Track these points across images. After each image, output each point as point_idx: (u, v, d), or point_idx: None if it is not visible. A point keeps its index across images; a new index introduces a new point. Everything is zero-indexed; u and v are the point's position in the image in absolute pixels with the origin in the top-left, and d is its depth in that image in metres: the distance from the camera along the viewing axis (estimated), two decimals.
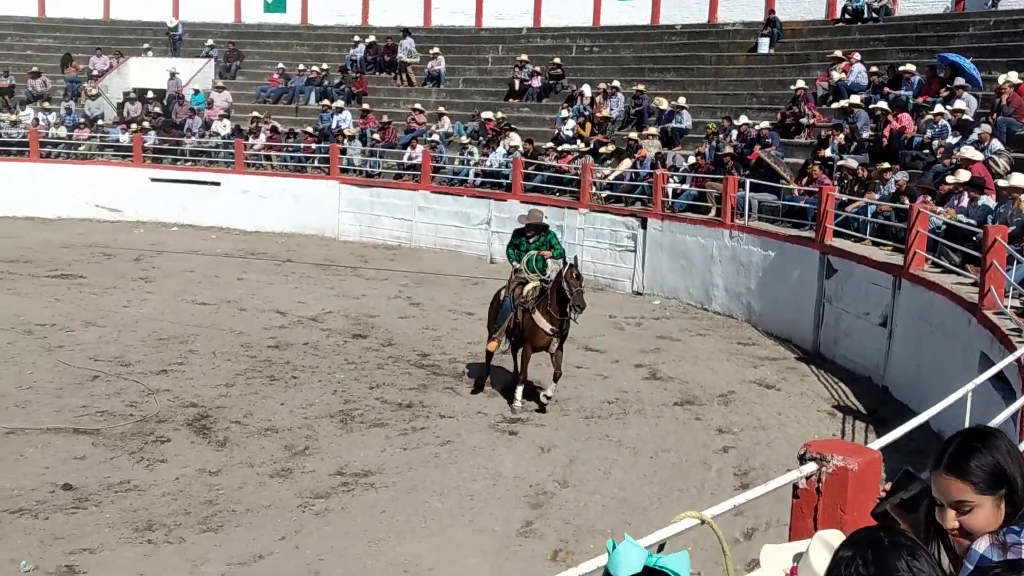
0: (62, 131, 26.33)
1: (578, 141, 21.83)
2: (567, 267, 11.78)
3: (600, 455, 10.64)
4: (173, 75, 27.97)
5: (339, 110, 25.73)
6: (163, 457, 10.19)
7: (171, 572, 7.86)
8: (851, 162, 16.21)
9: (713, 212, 17.65)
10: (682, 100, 22.01)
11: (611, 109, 23.24)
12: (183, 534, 8.50)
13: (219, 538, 8.46)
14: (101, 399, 11.87)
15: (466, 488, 9.71)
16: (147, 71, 29.29)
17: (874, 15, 22.93)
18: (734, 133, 19.62)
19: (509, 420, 11.63)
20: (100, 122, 26.75)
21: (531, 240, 12.49)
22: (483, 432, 11.27)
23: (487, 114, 24.28)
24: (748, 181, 17.06)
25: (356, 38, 29.32)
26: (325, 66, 28.43)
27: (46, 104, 27.27)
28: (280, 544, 8.37)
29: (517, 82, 26.17)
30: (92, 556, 8.08)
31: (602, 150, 21.21)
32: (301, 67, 28.62)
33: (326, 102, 26.38)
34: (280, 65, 28.92)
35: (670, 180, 18.94)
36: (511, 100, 26.12)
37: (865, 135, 17.45)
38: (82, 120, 26.51)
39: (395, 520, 8.96)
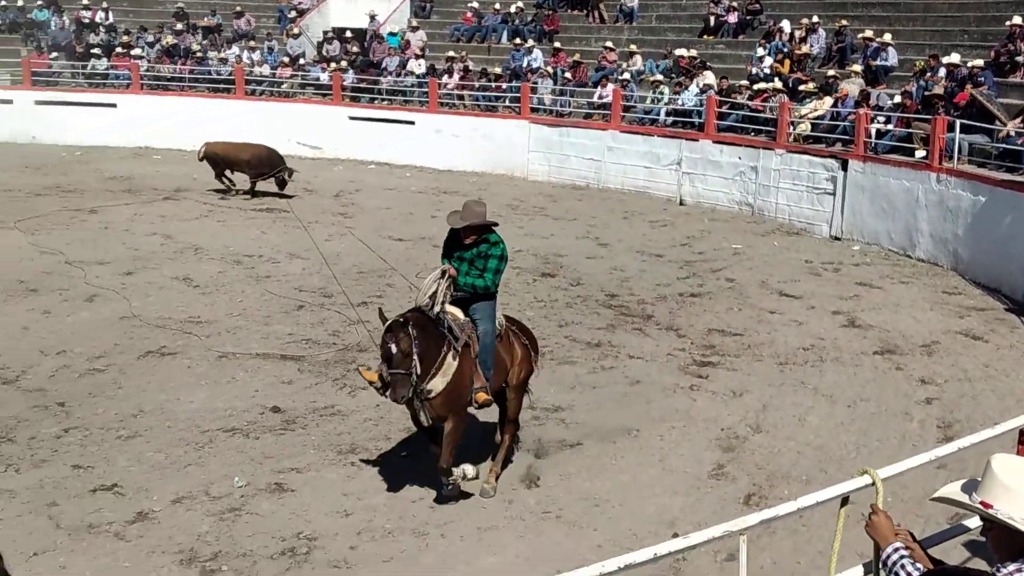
0: (265, 69, 27.34)
1: (775, 79, 21.14)
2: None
3: (794, 401, 10.43)
4: (373, 17, 28.57)
5: (530, 49, 25.75)
6: (364, 385, 10.56)
7: (373, 494, 8.21)
8: None
9: (919, 154, 16.84)
10: (887, 36, 20.94)
11: (811, 46, 22.38)
12: (384, 458, 8.86)
13: (418, 463, 8.75)
14: (306, 328, 12.42)
15: (656, 428, 9.72)
16: (346, 11, 30.01)
17: None
18: (943, 71, 18.57)
19: (700, 363, 11.53)
20: (301, 61, 27.64)
21: (468, 248, 8.29)
22: (673, 374, 11.22)
23: (680, 51, 23.79)
24: (958, 122, 16.16)
25: None
26: (519, 4, 28.43)
27: (251, 43, 28.34)
28: (463, 471, 8.58)
29: (712, 18, 25.51)
30: (299, 475, 8.53)
31: (801, 88, 20.48)
32: (495, 5, 28.72)
33: (518, 40, 26.43)
34: (474, 4, 29.09)
35: (874, 120, 18.15)
36: (706, 37, 25.50)
37: None
38: (284, 58, 27.45)
39: (585, 456, 9.06)
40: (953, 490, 3.31)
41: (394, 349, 7.60)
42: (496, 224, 8.43)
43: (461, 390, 8.04)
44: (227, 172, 20.90)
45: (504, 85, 24.93)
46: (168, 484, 8.28)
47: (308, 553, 7.32)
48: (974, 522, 4.43)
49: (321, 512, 7.87)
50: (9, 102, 26.72)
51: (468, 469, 8.17)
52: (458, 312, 8.25)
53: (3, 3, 30.02)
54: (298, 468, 8.64)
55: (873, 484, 3.95)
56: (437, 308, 7.98)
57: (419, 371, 7.68)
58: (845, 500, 4.68)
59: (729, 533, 4.48)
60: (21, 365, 10.77)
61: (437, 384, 7.88)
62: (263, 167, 20.52)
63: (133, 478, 8.37)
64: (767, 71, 21.83)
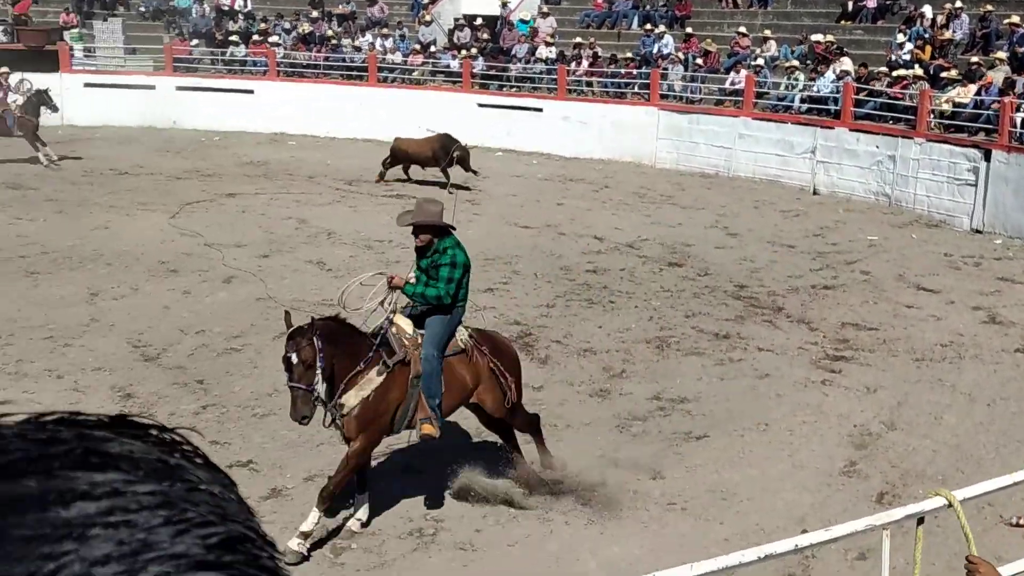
0: (397, 56, 27.73)
1: (916, 66, 20.43)
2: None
3: (931, 399, 10.10)
4: (504, 4, 28.67)
5: (661, 35, 25.47)
6: None
7: (498, 478, 8.25)
8: None
9: None
10: None
11: (954, 31, 21.55)
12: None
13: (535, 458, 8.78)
14: None
15: (786, 423, 9.53)
16: None
17: None
18: None
19: (832, 357, 11.25)
20: (432, 48, 27.94)
21: (424, 254, 7.88)
22: (804, 368, 10.99)
23: (816, 37, 23.19)
24: None
25: None
26: None
27: (383, 30, 28.78)
28: (599, 460, 8.58)
29: (850, 3, 24.79)
30: (430, 459, 8.63)
31: (943, 75, 19.74)
32: None
33: (648, 26, 26.18)
34: None
35: (1019, 109, 17.38)
36: (843, 22, 24.80)
37: None
38: (416, 46, 27.79)
39: (712, 448, 8.96)
40: None
41: (294, 359, 6.93)
42: (452, 228, 7.88)
43: (380, 412, 7.30)
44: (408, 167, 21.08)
45: (633, 71, 24.73)
46: (301, 462, 8.50)
47: (435, 534, 7.42)
48: None
49: (448, 494, 7.97)
50: (152, 87, 27.73)
51: (354, 523, 7.51)
52: (407, 326, 7.61)
53: None
54: (425, 451, 8.75)
55: (950, 506, 3.76)
56: (373, 310, 7.54)
57: (323, 385, 7.03)
58: (921, 520, 4.51)
59: (872, 527, 4.36)
60: (162, 343, 11.19)
61: (349, 400, 7.21)
62: (443, 156, 20.55)
63: (267, 455, 8.62)
64: (907, 57, 21.12)
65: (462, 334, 7.90)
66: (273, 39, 28.42)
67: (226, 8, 30.30)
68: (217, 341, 11.32)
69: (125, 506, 0.51)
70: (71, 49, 28.12)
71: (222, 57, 28.43)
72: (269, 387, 10.03)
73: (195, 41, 28.91)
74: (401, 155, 20.96)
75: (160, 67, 28.10)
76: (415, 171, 21.04)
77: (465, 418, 8.74)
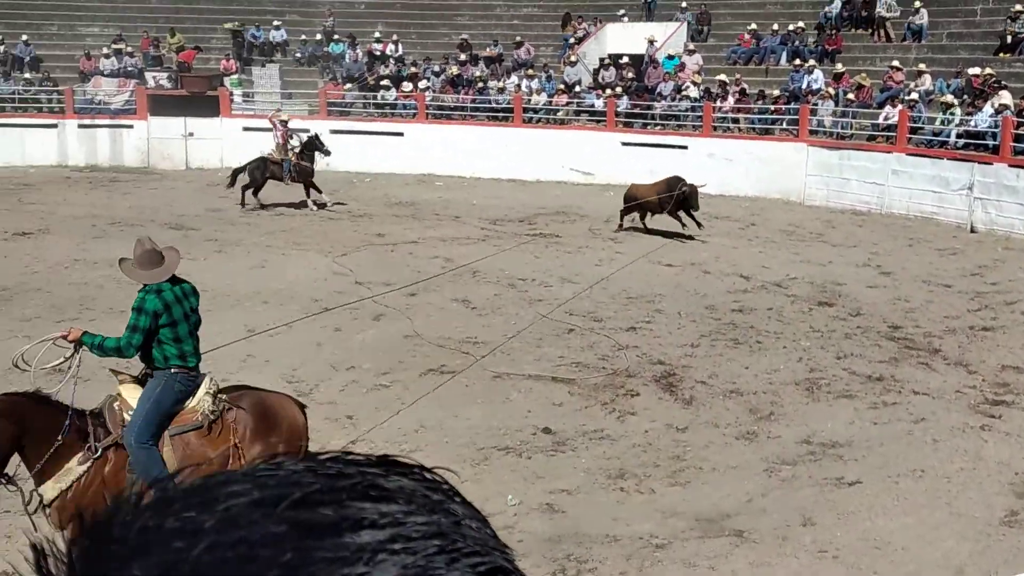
0: (543, 97, 28.04)
1: None
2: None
3: None
4: (652, 42, 28.71)
5: (811, 69, 25.06)
6: (633, 410, 10.62)
7: (641, 520, 8.19)
8: None
9: None
10: None
11: None
12: (653, 485, 8.83)
13: (687, 493, 8.68)
14: (576, 351, 12.59)
15: (943, 469, 9.16)
16: (622, 36, 30.34)
17: None
18: None
19: (992, 402, 10.78)
20: (577, 88, 28.16)
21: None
22: (962, 412, 10.55)
23: (974, 70, 22.45)
24: None
25: None
26: (799, 24, 27.76)
27: (529, 71, 29.17)
28: (747, 506, 8.42)
29: (1009, 35, 23.92)
30: (569, 497, 8.64)
31: None
32: (774, 27, 28.18)
33: (798, 61, 25.81)
34: (752, 25, 28.68)
35: None
36: (1002, 55, 23.94)
37: None
38: (561, 86, 28.06)
39: (865, 495, 8.67)
40: None
41: None
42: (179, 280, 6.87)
43: (87, 505, 5.98)
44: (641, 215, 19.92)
45: (782, 107, 24.37)
46: None
47: (577, 575, 7.40)
48: None
49: (591, 536, 7.94)
50: (307, 131, 28.76)
51: None
52: (132, 396, 6.56)
53: (303, 38, 32.46)
54: (568, 490, 8.75)
55: None
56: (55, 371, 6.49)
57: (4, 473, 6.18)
58: None
59: None
60: (314, 379, 11.53)
61: (48, 491, 6.25)
62: (668, 200, 19.00)
63: None
64: None
65: (204, 403, 6.71)
66: (423, 83, 29.13)
67: (378, 53, 31.25)
68: (366, 377, 11.59)
69: (406, 535, 0.58)
70: (231, 94, 29.45)
71: (373, 101, 29.30)
72: (416, 423, 10.23)
73: (348, 85, 29.88)
74: (631, 202, 19.87)
75: (315, 111, 29.13)
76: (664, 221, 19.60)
77: None
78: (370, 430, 10.05)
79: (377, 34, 32.19)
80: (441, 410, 10.59)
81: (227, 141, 28.55)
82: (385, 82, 29.34)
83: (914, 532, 8.00)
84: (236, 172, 22.31)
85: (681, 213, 19.00)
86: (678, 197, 18.68)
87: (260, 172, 21.96)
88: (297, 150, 22.04)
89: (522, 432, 10.05)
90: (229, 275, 15.85)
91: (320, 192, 22.11)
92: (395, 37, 32.15)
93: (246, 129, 28.69)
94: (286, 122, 22.66)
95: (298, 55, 32.26)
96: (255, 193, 22.09)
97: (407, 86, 28.97)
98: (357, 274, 16.24)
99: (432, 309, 14.42)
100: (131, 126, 28.94)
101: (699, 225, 19.00)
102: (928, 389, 11.23)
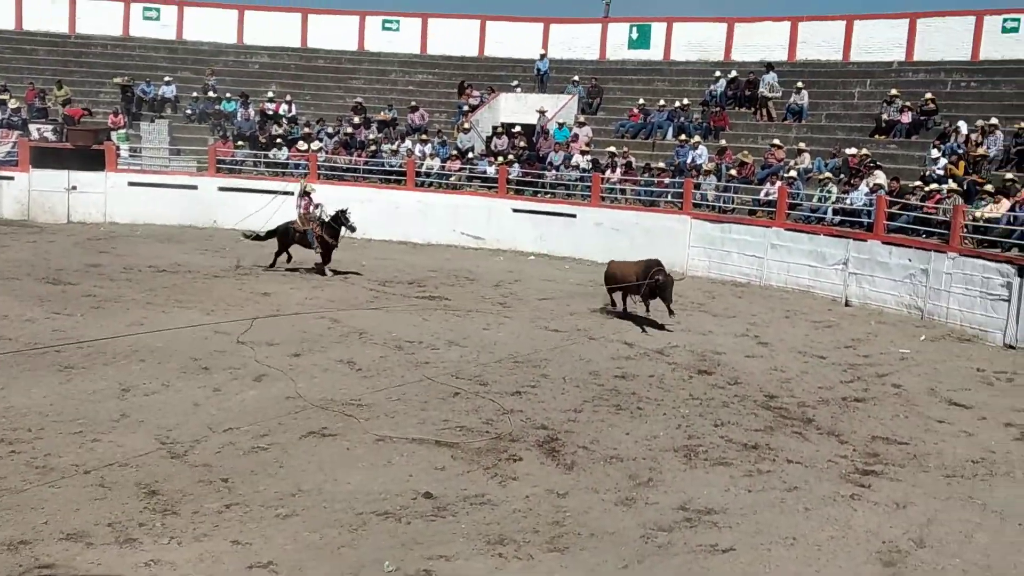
0: (436, 162, 28.24)
1: (949, 180, 20.54)
2: None
3: (962, 517, 9.90)
4: (542, 113, 29.26)
5: (695, 145, 25.83)
6: (515, 475, 10.62)
7: None
8: None
9: None
10: None
11: (988, 147, 21.72)
12: (531, 551, 8.82)
13: (565, 559, 8.69)
14: (461, 415, 12.57)
15: (813, 537, 9.37)
16: (515, 106, 30.87)
17: None
18: None
19: (862, 471, 11.10)
20: (470, 154, 28.46)
21: None
22: (833, 481, 10.83)
23: (850, 150, 23.45)
24: None
25: (717, 73, 29.35)
26: (685, 101, 28.65)
27: (423, 136, 29.38)
28: (623, 572, 8.48)
29: (884, 117, 25.10)
30: (448, 563, 8.56)
31: (977, 190, 19.81)
32: (661, 102, 29.01)
33: (683, 137, 26.59)
34: (640, 101, 29.50)
35: None
36: (877, 136, 25.10)
37: None
38: (454, 152, 28.32)
39: (738, 562, 8.80)
40: None
41: None
42: None
43: None
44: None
45: (666, 180, 25.01)
46: (321, 565, 8.44)
47: None
48: None
49: None
50: (194, 187, 28.39)
51: None
52: None
53: (195, 94, 32.13)
54: (446, 556, 8.68)
55: None
56: None
57: None
58: None
59: None
60: (190, 440, 11.24)
61: None
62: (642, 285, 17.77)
63: (288, 557, 8.57)
64: (941, 172, 21.26)
65: None
66: (315, 143, 29.06)
67: (271, 112, 31.10)
68: (244, 439, 11.35)
69: None
70: (117, 149, 28.92)
71: (264, 159, 29.08)
72: (293, 487, 10.04)
73: (239, 143, 29.61)
74: (612, 282, 18.87)
75: (204, 168, 28.78)
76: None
77: None
78: (245, 494, 9.83)
79: (270, 93, 32.10)
80: (320, 473, 10.42)
81: (111, 195, 28.03)
82: (278, 141, 29.20)
83: None
84: (260, 236, 22.19)
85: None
86: (650, 285, 17.58)
87: (288, 238, 21.92)
88: (323, 220, 21.77)
89: (402, 497, 9.95)
90: (106, 331, 15.41)
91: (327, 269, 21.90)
92: (288, 97, 32.10)
93: (132, 184, 28.24)
94: (310, 194, 22.26)
95: (188, 112, 31.90)
96: (276, 257, 22.12)
97: (301, 146, 28.87)
98: (239, 334, 15.96)
99: (316, 370, 14.25)
100: (11, 177, 28.15)
101: (671, 312, 17.75)
102: (801, 458, 11.51)
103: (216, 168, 28.57)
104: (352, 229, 21.84)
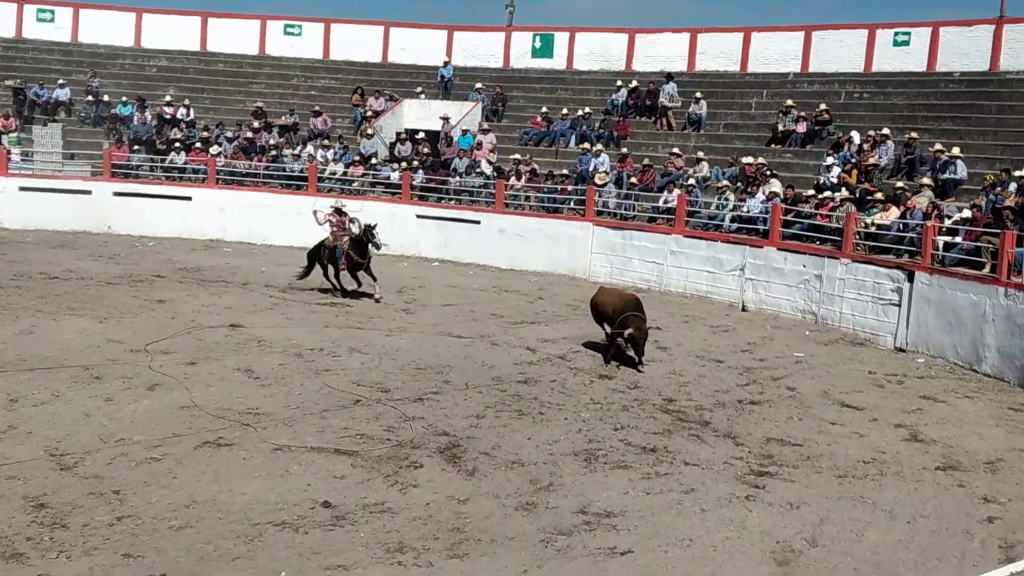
0: (339, 167, 28.00)
1: (843, 189, 21.12)
2: None
3: (853, 516, 10.15)
4: (446, 120, 29.24)
5: (597, 153, 26.09)
6: (416, 482, 10.55)
7: None
8: None
9: (988, 268, 16.61)
10: (956, 150, 20.91)
11: (880, 157, 22.38)
12: (431, 558, 8.77)
13: (464, 566, 8.66)
14: (361, 422, 12.45)
15: (709, 539, 9.51)
16: (419, 113, 30.84)
17: None
18: (1013, 186, 18.44)
19: (757, 473, 11.31)
20: (373, 160, 28.28)
21: None
22: (729, 483, 11.01)
23: (747, 159, 23.94)
24: None
25: (619, 83, 29.72)
26: (587, 110, 28.94)
27: (325, 142, 29.11)
28: None
29: (780, 127, 25.70)
30: (346, 572, 8.46)
31: (868, 199, 20.39)
32: (564, 111, 29.24)
33: (585, 145, 26.84)
34: (543, 109, 29.70)
35: (941, 232, 17.97)
36: (773, 146, 25.67)
37: None
38: (357, 157, 28.12)
39: (636, 564, 8.88)
40: None
41: None
42: None
43: None
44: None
45: (569, 187, 25.22)
46: None
47: None
48: None
49: None
50: (88, 192, 27.66)
51: None
52: None
53: (89, 98, 31.31)
54: (345, 565, 8.57)
55: None
56: None
57: None
58: None
59: None
60: (80, 451, 10.92)
61: None
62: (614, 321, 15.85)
63: (181, 569, 8.38)
64: (834, 181, 21.83)
65: None
66: (214, 148, 28.58)
67: (168, 117, 30.50)
68: (136, 450, 11.07)
69: None
70: (8, 153, 28.05)
71: (161, 164, 28.50)
72: (187, 498, 9.82)
73: (135, 148, 28.96)
74: (596, 309, 16.76)
75: (98, 172, 28.08)
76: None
77: None
78: (137, 506, 9.58)
79: (168, 97, 31.48)
80: (216, 484, 10.21)
81: (1, 200, 27.19)
82: (175, 145, 28.65)
83: None
84: (306, 269, 21.21)
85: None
86: (621, 336, 15.51)
87: (319, 255, 21.03)
88: (353, 237, 20.63)
89: (300, 506, 9.80)
90: None
91: (375, 280, 20.68)
92: (187, 101, 31.52)
93: (23, 189, 27.43)
94: (342, 210, 21.50)
95: (83, 115, 31.08)
96: (305, 275, 21.12)
97: (200, 148, 28.39)
98: (134, 342, 15.58)
99: (212, 379, 13.98)
100: None
101: (639, 363, 15.69)
102: (698, 460, 11.68)
103: (111, 173, 27.88)
104: (377, 247, 20.68)
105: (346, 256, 20.60)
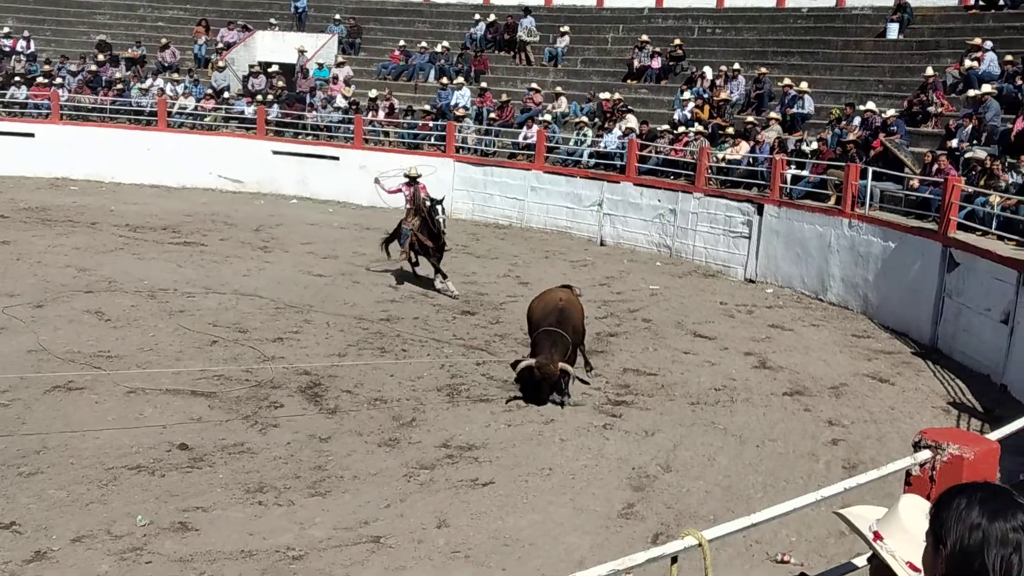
0: (190, 102, 27.09)
1: (696, 124, 21.57)
2: None
3: (705, 441, 10.56)
4: (301, 52, 28.53)
5: (457, 87, 25.92)
6: (276, 422, 10.48)
7: (279, 534, 8.10)
8: (979, 153, 15.67)
9: (833, 200, 17.28)
10: (804, 85, 21.55)
11: (731, 92, 22.89)
12: (292, 497, 8.76)
13: (327, 503, 8.68)
14: (218, 363, 12.26)
15: (568, 467, 9.76)
16: (273, 45, 29.96)
17: (1009, 1, 22.05)
18: (858, 120, 19.14)
19: (614, 403, 11.61)
20: (226, 94, 27.45)
21: None
22: (587, 413, 11.29)
23: (604, 95, 24.15)
24: (871, 169, 16.65)
25: (477, 16, 29.45)
26: (445, 44, 28.64)
27: (174, 75, 28.09)
28: (385, 511, 8.55)
29: (636, 63, 25.97)
30: (205, 514, 8.38)
31: (720, 133, 20.88)
32: (422, 44, 28.87)
33: (444, 80, 26.61)
34: (401, 42, 29.26)
35: (789, 166, 18.57)
36: (629, 81, 25.93)
37: (995, 125, 16.83)
38: (208, 91, 27.24)
39: (497, 495, 9.06)
40: (858, 513, 3.29)
41: None
42: None
43: None
44: None
45: (430, 123, 25.02)
46: (69, 522, 8.07)
47: None
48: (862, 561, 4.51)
49: (225, 552, 7.74)
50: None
51: None
52: None
53: None
54: (204, 507, 8.48)
55: (700, 545, 3.96)
56: None
57: None
58: (675, 559, 4.75)
59: (615, 572, 4.50)
60: None
61: None
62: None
63: (32, 516, 8.15)
64: (688, 116, 22.25)
65: None
66: (57, 81, 27.27)
67: (7, 50, 28.91)
68: None
69: None
70: None
71: (1, 99, 27.06)
72: (38, 444, 9.53)
73: None
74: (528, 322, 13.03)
75: None
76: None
77: None
78: None
79: (7, 28, 29.81)
80: (67, 429, 9.93)
81: None
82: (16, 79, 27.20)
83: (541, 528, 8.46)
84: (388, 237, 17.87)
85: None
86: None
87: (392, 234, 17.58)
88: (417, 225, 16.68)
89: (156, 449, 9.63)
90: None
91: (445, 277, 16.72)
92: (27, 33, 29.90)
93: None
94: (416, 179, 17.13)
95: None
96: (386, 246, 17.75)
97: (42, 82, 27.03)
98: None
99: (61, 322, 13.51)
100: None
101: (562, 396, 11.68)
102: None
103: None
104: (435, 227, 16.44)
105: (416, 241, 16.72)
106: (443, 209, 16.69)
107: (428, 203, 16.55)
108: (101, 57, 28.61)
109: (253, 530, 8.11)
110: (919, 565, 2.65)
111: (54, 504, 8.40)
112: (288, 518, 8.36)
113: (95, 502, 8.45)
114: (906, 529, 3.01)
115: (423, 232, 16.55)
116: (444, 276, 16.73)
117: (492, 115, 24.81)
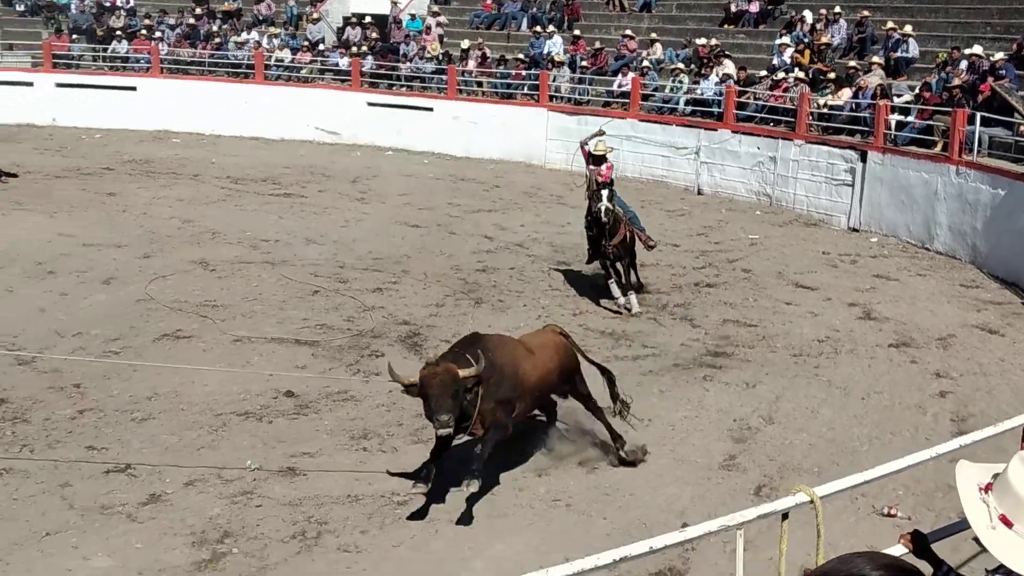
0: (286, 54, 27.35)
1: (796, 69, 21.02)
2: None
3: (808, 393, 10.40)
4: (394, 3, 28.54)
5: (550, 36, 25.67)
6: (378, 370, 10.60)
7: (384, 480, 8.24)
8: None
9: (939, 147, 16.73)
10: (908, 28, 20.80)
11: (832, 36, 22.22)
12: (395, 443, 8.91)
13: (427, 450, 8.77)
14: (321, 313, 12.46)
15: (668, 418, 9.72)
16: None
17: None
18: (964, 64, 18.43)
19: (714, 354, 11.50)
20: (321, 46, 27.64)
21: None
22: (687, 364, 11.21)
23: (700, 40, 23.67)
24: (978, 115, 16.05)
25: None
26: None
27: (271, 28, 28.35)
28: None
29: (733, 7, 25.38)
30: (312, 459, 8.57)
31: (821, 79, 20.33)
32: None
33: (537, 28, 26.37)
34: None
35: (893, 111, 18.02)
36: (726, 26, 25.35)
37: None
38: (304, 44, 27.46)
39: (597, 444, 9.06)
40: (970, 477, 3.08)
41: None
42: None
43: None
44: None
45: (523, 72, 24.87)
46: (180, 467, 8.33)
47: (318, 537, 7.36)
48: None
49: (332, 497, 7.91)
50: (30, 84, 26.86)
51: None
52: None
53: None
54: (310, 453, 8.68)
55: (811, 502, 3.88)
56: None
57: None
58: (786, 515, 4.68)
59: (726, 527, 4.49)
60: (38, 346, 10.85)
61: None
62: None
63: (146, 460, 8.43)
64: (787, 61, 21.70)
65: None
66: (157, 35, 27.77)
67: (108, 4, 29.50)
68: (95, 344, 11.02)
69: None
70: None
71: (103, 53, 27.67)
72: (149, 390, 9.83)
73: (75, 37, 28.06)
74: None
75: (39, 64, 27.23)
76: None
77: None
78: (99, 400, 9.57)
79: None
80: (176, 376, 10.20)
81: None
82: (116, 34, 27.78)
83: (641, 478, 8.45)
84: None
85: None
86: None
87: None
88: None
89: (263, 396, 9.86)
90: None
91: (629, 290, 13.33)
92: None
93: None
94: (600, 159, 13.91)
95: (19, 5, 29.94)
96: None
97: (143, 36, 27.57)
98: (85, 236, 15.35)
99: (168, 271, 13.85)
100: None
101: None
102: (656, 343, 11.85)
103: (52, 64, 27.03)
104: (597, 214, 13.31)
105: (592, 241, 13.77)
106: (609, 195, 13.32)
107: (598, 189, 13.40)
108: (198, 11, 29.01)
109: (359, 476, 8.27)
110: None
111: (167, 449, 8.67)
112: (392, 464, 8.49)
113: (206, 447, 8.70)
114: (1016, 491, 2.82)
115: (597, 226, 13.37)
116: (627, 287, 13.28)
117: (585, 63, 24.53)
